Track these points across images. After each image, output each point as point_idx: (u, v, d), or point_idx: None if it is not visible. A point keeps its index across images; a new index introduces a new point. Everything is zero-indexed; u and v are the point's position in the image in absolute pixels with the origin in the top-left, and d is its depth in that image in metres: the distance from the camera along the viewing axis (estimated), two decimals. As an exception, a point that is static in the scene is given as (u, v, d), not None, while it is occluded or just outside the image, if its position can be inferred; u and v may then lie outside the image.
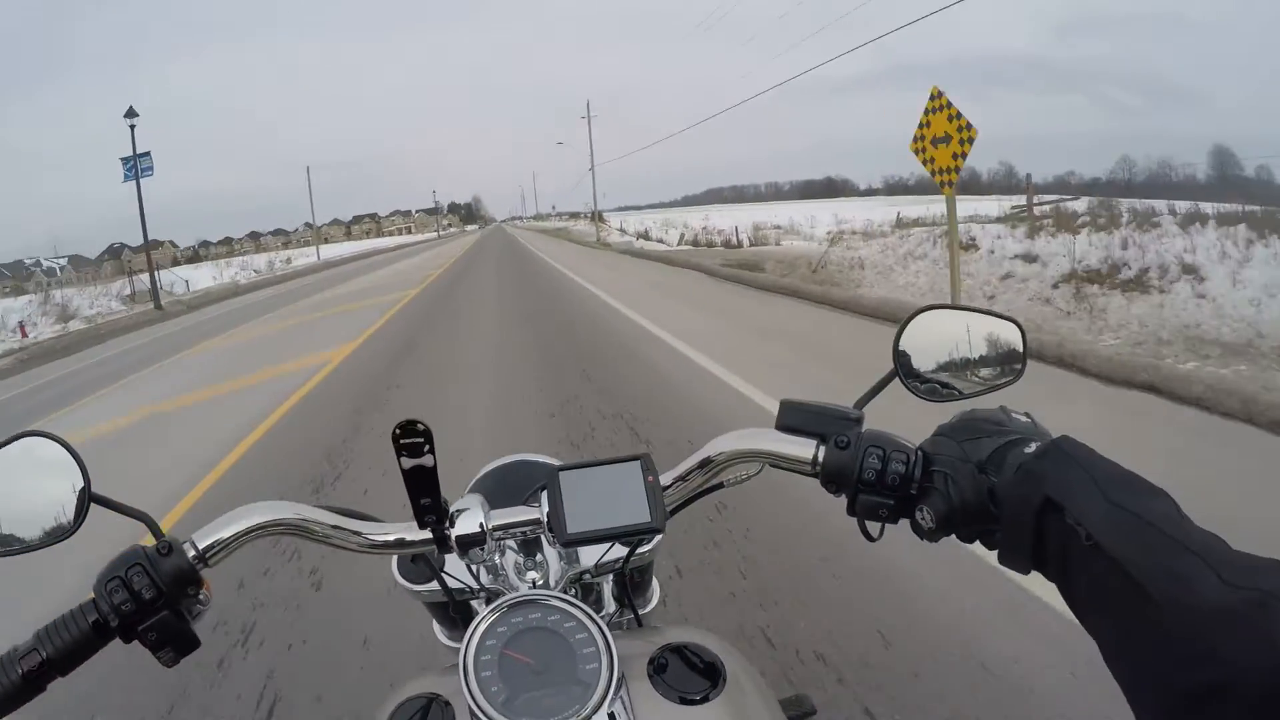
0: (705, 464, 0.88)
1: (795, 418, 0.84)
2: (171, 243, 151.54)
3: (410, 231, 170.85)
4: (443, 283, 21.93)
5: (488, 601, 0.93)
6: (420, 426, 0.73)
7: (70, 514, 0.83)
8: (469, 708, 0.72)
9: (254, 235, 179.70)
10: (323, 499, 4.56)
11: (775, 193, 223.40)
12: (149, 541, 0.82)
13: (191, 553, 0.81)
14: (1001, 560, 0.69)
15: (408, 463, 0.75)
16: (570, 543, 0.82)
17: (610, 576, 1.12)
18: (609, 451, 3.52)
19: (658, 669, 0.79)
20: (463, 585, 1.00)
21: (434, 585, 1.02)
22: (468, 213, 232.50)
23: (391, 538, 0.87)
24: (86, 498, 0.83)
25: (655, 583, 1.31)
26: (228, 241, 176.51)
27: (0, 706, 0.74)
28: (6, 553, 0.83)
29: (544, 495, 0.86)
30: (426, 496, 0.79)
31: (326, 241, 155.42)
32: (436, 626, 1.24)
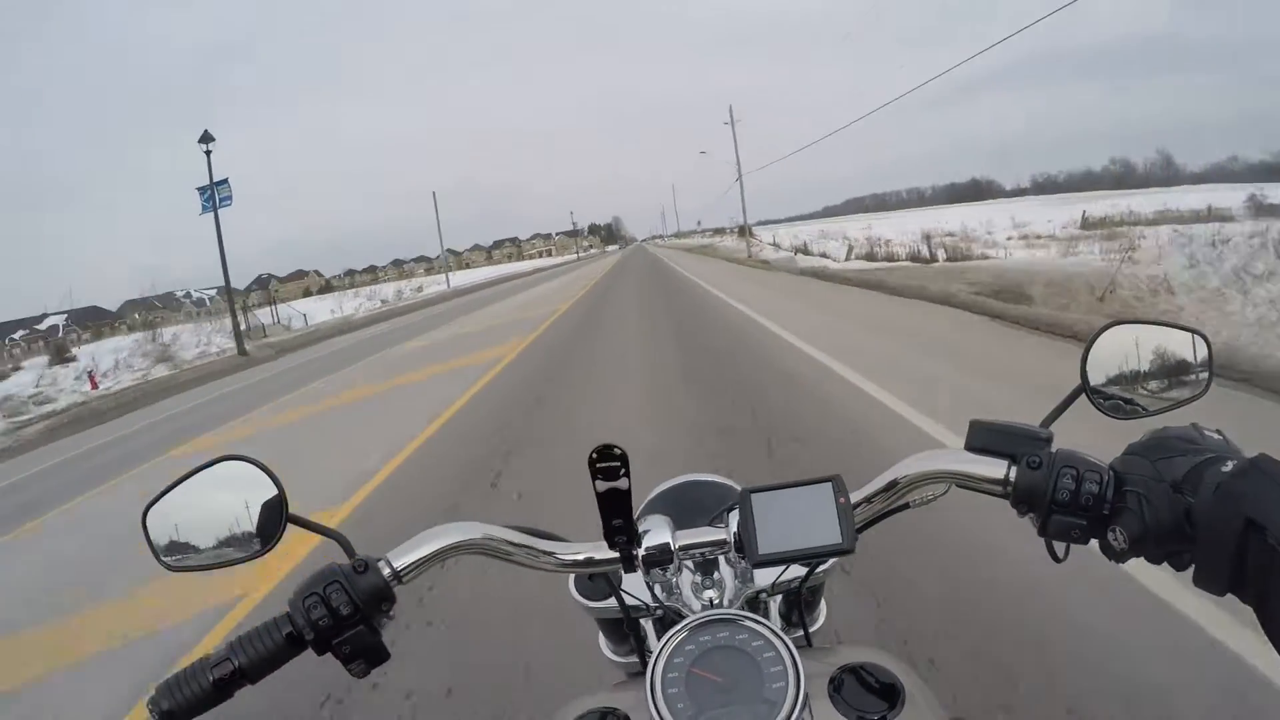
0: (892, 486, 0.87)
1: (985, 438, 0.82)
2: (317, 272, 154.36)
3: (550, 254, 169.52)
4: (574, 318, 16.92)
5: (663, 619, 0.99)
6: (617, 451, 0.76)
7: (269, 533, 0.87)
8: None
9: (397, 263, 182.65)
10: None
11: (918, 198, 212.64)
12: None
13: (386, 571, 0.84)
14: (1196, 582, 0.68)
15: (602, 485, 0.78)
16: (761, 564, 0.82)
17: (780, 595, 1.08)
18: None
19: (837, 688, 0.79)
20: (639, 603, 0.99)
21: (610, 603, 1.04)
22: (608, 233, 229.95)
23: (581, 557, 0.89)
24: (283, 518, 0.87)
25: (823, 602, 1.23)
26: (372, 270, 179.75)
27: (189, 710, 0.78)
28: (208, 567, 0.88)
29: (730, 516, 0.87)
30: (619, 518, 0.82)
31: (468, 267, 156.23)
32: (604, 642, 1.22)
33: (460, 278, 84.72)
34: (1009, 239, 30.97)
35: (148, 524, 0.88)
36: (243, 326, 36.94)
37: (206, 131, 23.96)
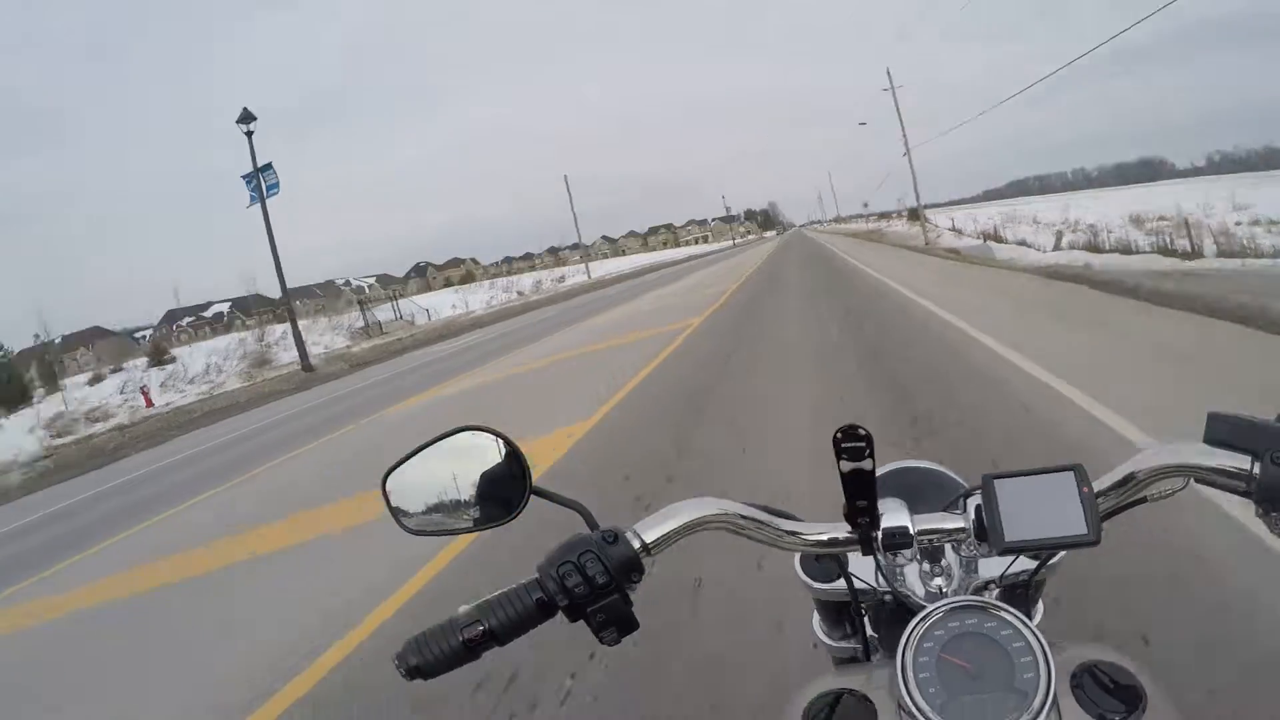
0: (1129, 479, 0.83)
1: (1226, 431, 0.77)
2: (473, 259, 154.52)
3: (706, 240, 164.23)
4: (721, 325, 12.11)
5: (882, 605, 0.97)
6: (862, 431, 0.75)
7: (512, 502, 0.88)
8: (907, 707, 0.71)
9: (553, 250, 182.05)
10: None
11: (1084, 179, 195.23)
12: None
13: (636, 543, 0.83)
14: None
15: (847, 466, 0.76)
16: (1006, 551, 0.79)
17: (999, 590, 0.99)
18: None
19: (1078, 684, 0.75)
20: (867, 586, 0.97)
21: (836, 585, 1.03)
22: (764, 219, 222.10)
23: (825, 537, 0.87)
24: (527, 489, 0.88)
25: (1040, 600, 1.15)
26: (529, 257, 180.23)
27: (437, 667, 0.79)
28: (447, 532, 0.91)
29: (968, 502, 0.85)
30: (863, 499, 0.80)
31: (623, 253, 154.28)
32: (818, 623, 1.19)
33: (609, 266, 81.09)
34: (1237, 224, 24.19)
35: (387, 489, 0.90)
36: (361, 323, 34.31)
37: (246, 110, 19.94)
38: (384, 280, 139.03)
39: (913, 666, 0.72)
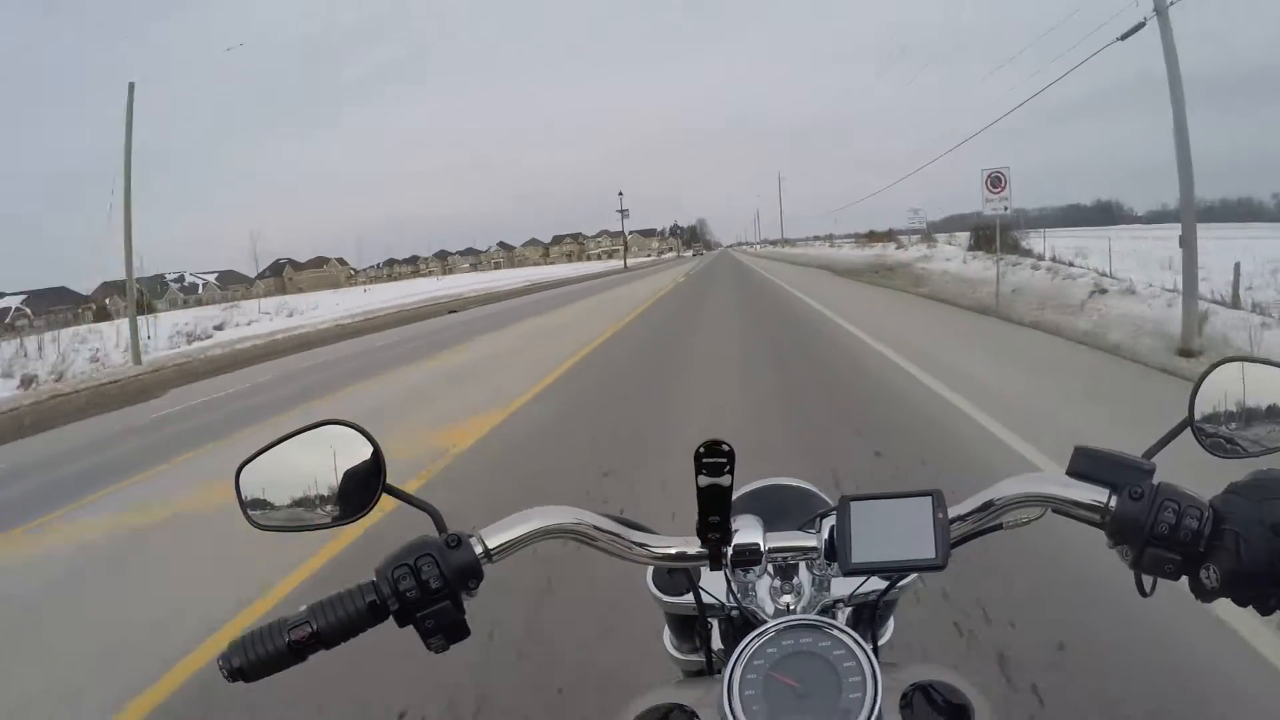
0: (988, 505, 0.85)
1: (1088, 464, 0.80)
2: (340, 260, 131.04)
3: (612, 256, 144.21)
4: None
5: (732, 620, 0.96)
6: (724, 448, 0.75)
7: (363, 500, 0.85)
8: None
9: (441, 255, 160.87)
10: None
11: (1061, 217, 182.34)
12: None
13: (479, 549, 0.82)
14: None
15: (704, 480, 0.76)
16: (852, 572, 0.81)
17: (851, 608, 1.04)
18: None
19: (908, 704, 0.78)
20: (715, 601, 0.97)
21: (686, 599, 1.02)
22: (692, 235, 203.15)
23: (673, 550, 0.87)
24: (380, 486, 0.85)
25: (891, 618, 1.21)
26: (413, 260, 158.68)
27: (261, 669, 0.76)
28: (295, 529, 0.86)
29: (824, 522, 0.86)
30: (716, 515, 0.80)
31: (518, 265, 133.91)
32: (669, 637, 1.20)
33: (454, 282, 61.01)
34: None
35: (240, 481, 0.86)
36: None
37: None
38: (228, 277, 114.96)
39: (740, 683, 0.71)
